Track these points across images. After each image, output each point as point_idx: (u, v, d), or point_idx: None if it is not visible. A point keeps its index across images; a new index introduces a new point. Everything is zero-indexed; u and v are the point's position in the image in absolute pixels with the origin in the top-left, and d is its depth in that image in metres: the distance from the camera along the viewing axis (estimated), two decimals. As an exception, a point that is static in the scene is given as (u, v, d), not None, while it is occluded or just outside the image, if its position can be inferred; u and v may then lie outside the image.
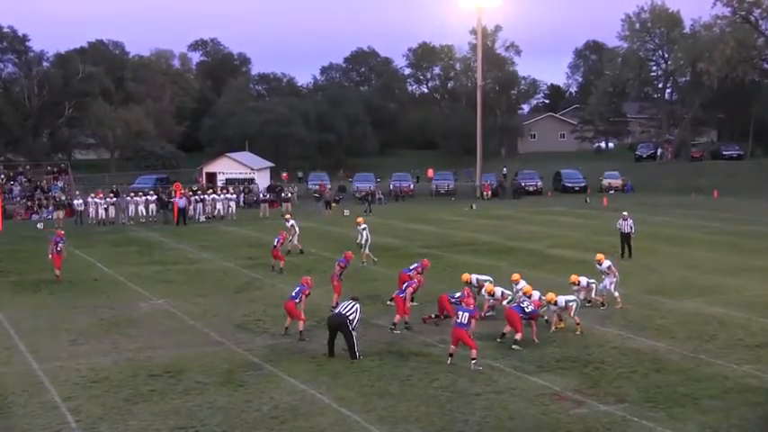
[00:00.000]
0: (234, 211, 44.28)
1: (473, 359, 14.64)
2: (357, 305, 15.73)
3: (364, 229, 26.92)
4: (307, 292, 17.24)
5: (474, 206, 48.07)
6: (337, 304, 17.51)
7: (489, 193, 55.52)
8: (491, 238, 33.34)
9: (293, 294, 17.23)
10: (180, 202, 41.25)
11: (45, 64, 76.83)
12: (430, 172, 61.67)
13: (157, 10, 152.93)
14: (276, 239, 26.21)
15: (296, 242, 28.95)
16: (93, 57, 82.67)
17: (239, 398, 13.44)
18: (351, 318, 15.44)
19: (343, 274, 20.27)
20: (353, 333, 15.46)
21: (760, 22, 67.42)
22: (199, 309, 20.26)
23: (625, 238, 27.07)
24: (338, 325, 15.54)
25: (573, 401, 13.06)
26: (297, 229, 29.05)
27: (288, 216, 29.72)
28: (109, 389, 13.93)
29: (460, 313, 15.05)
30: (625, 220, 27.21)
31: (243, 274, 25.40)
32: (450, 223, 39.28)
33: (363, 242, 26.81)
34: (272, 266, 25.71)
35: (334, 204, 46.98)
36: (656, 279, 23.35)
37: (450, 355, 14.96)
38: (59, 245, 24.47)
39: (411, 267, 20.64)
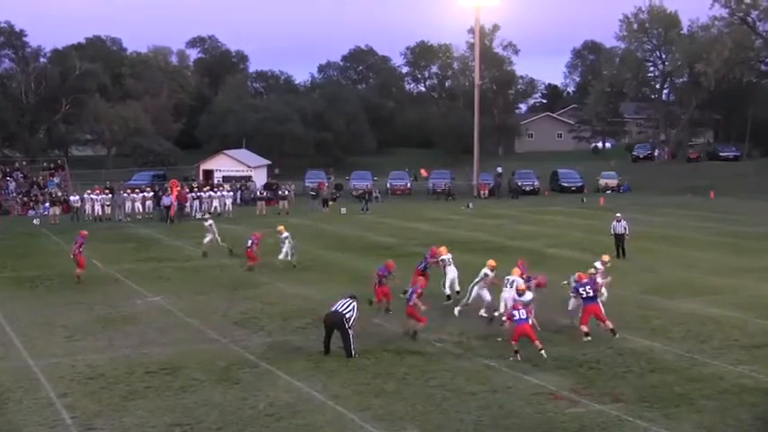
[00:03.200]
0: (230, 208, 44.28)
1: (540, 349, 15.10)
2: (354, 303, 15.69)
3: (286, 238, 25.51)
4: (419, 292, 16.60)
5: (470, 205, 48.12)
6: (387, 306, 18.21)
7: (486, 192, 55.56)
8: (488, 237, 33.36)
9: (408, 299, 16.81)
10: (165, 200, 41.11)
11: (42, 60, 76.62)
12: (423, 171, 61.79)
13: (155, 6, 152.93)
14: (250, 240, 25.46)
15: (288, 256, 25.80)
16: (90, 53, 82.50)
17: (235, 395, 13.43)
18: (348, 316, 15.41)
19: (386, 281, 18.94)
20: (350, 331, 15.46)
21: (757, 23, 67.63)
22: (195, 306, 20.24)
23: (619, 239, 27.00)
24: (335, 323, 15.52)
25: (568, 401, 13.08)
26: (288, 244, 25.85)
27: (281, 228, 26.42)
28: (105, 385, 13.91)
29: (516, 313, 15.23)
30: (619, 221, 27.14)
31: (239, 272, 25.36)
32: (446, 222, 39.30)
33: (290, 250, 25.43)
34: (248, 267, 25.06)
35: (331, 202, 46.99)
36: (652, 279, 23.37)
37: (516, 351, 15.11)
38: (83, 245, 24.02)
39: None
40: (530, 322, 15.34)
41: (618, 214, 28.02)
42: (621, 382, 14.00)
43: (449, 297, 19.93)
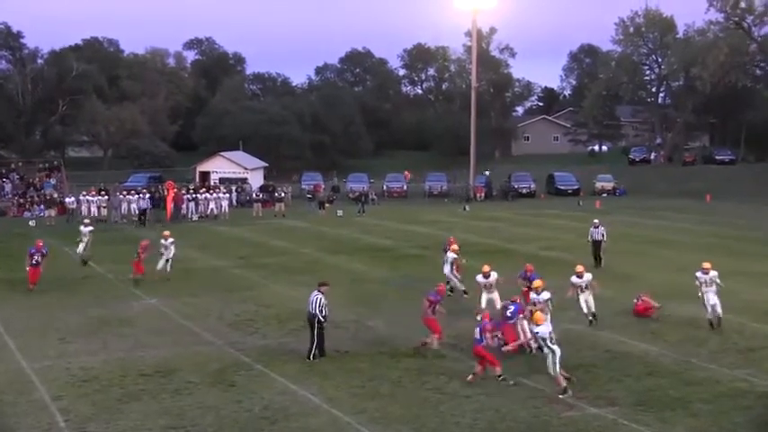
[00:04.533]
0: (226, 210, 44.23)
1: (499, 376, 13.97)
2: (321, 297, 15.47)
3: (172, 243, 24.21)
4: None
5: (467, 208, 48.13)
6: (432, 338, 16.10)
7: (483, 194, 55.57)
8: (484, 239, 33.34)
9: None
10: (142, 203, 40.80)
11: (39, 61, 76.42)
12: (407, 174, 62.28)
13: (153, 8, 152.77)
14: (142, 255, 23.54)
15: (161, 266, 24.04)
16: (87, 54, 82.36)
17: (230, 398, 13.40)
18: (319, 317, 15.34)
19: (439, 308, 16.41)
20: (318, 331, 15.33)
21: (752, 28, 67.83)
22: (190, 308, 20.21)
23: (596, 246, 26.15)
24: (311, 325, 15.54)
25: (564, 404, 13.06)
26: (172, 251, 24.31)
27: (167, 234, 24.80)
28: (99, 388, 13.88)
29: (477, 331, 14.18)
30: (596, 228, 26.27)
31: (235, 274, 25.34)
32: (443, 224, 39.26)
33: (171, 257, 24.08)
34: (134, 280, 23.30)
35: (327, 205, 46.97)
36: (647, 283, 23.34)
37: (501, 377, 14.03)
38: (35, 257, 22.23)
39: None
40: (483, 344, 13.99)
41: (596, 220, 27.17)
42: (617, 386, 14.00)
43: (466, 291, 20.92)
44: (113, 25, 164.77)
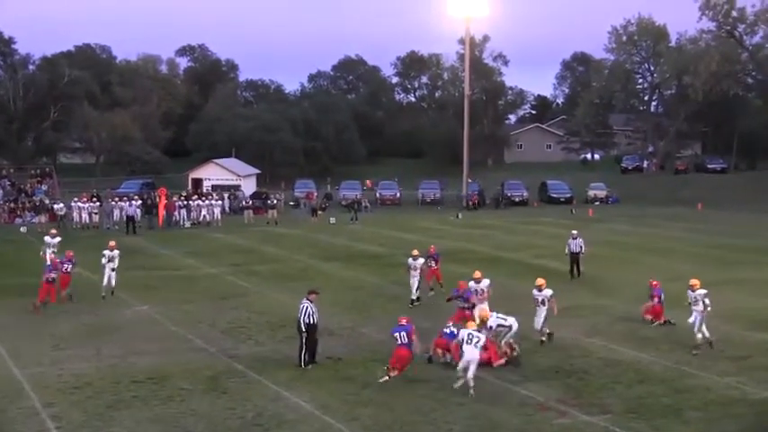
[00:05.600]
0: (219, 217, 44.17)
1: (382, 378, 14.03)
2: (308, 305, 15.44)
3: (119, 255, 22.94)
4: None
5: (459, 215, 48.20)
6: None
7: (475, 202, 55.68)
8: (476, 247, 33.40)
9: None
10: (129, 209, 40.72)
11: (31, 67, 76.34)
12: (368, 182, 63.15)
13: (145, 15, 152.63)
14: (64, 264, 21.96)
15: (111, 281, 22.60)
16: (79, 61, 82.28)
17: (223, 405, 13.38)
18: (303, 325, 15.34)
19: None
20: (304, 339, 15.34)
21: (744, 36, 68.33)
22: (183, 315, 20.18)
23: (574, 257, 25.80)
24: (299, 331, 15.56)
25: (556, 412, 13.09)
26: (116, 263, 22.85)
27: (113, 244, 23.25)
28: (91, 395, 13.83)
29: (397, 334, 14.36)
30: (574, 239, 25.87)
31: (228, 281, 25.31)
32: (435, 232, 39.31)
33: (113, 274, 22.59)
34: (68, 296, 21.84)
35: (320, 212, 47.00)
36: (638, 291, 23.41)
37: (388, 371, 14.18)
38: (52, 274, 20.97)
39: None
40: (413, 349, 14.36)
41: (573, 231, 26.68)
42: (609, 393, 14.04)
43: (414, 300, 21.43)
44: (106, 32, 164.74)
